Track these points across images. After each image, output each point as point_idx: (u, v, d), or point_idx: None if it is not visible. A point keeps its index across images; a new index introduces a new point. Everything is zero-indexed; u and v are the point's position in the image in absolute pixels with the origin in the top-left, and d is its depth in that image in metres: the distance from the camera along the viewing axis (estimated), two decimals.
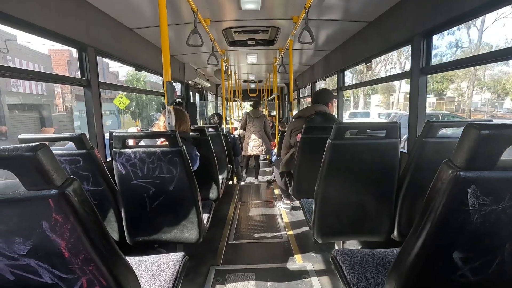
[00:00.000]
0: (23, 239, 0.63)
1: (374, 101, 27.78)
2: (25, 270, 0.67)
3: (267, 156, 6.21)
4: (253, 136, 4.87)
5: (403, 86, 22.69)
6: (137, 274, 0.86)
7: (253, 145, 4.85)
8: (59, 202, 0.60)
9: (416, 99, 1.94)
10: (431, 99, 24.54)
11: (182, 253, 1.38)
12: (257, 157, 4.97)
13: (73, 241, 0.65)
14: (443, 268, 0.70)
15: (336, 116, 2.88)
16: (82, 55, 1.96)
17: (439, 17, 1.68)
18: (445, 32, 14.44)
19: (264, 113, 5.30)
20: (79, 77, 1.99)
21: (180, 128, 2.00)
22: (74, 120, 14.11)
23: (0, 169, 0.58)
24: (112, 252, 0.74)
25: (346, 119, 14.01)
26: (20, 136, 1.47)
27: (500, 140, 0.58)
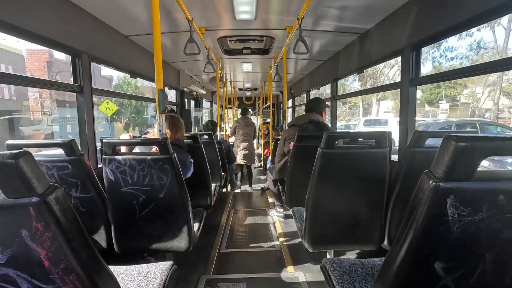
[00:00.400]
0: (2, 248, 0.62)
1: (383, 107, 26.12)
2: (3, 280, 0.66)
3: (261, 164, 6.22)
4: (242, 145, 4.84)
5: (419, 92, 22.14)
6: (123, 284, 0.85)
7: (243, 155, 4.81)
8: (40, 210, 0.60)
9: (406, 109, 1.97)
10: (444, 105, 24.29)
11: (170, 262, 1.36)
12: (248, 165, 4.95)
13: (54, 250, 0.64)
14: (426, 278, 0.70)
15: (329, 125, 2.91)
16: (76, 61, 1.96)
17: (427, 30, 1.73)
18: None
19: (255, 121, 5.30)
20: (71, 82, 1.99)
21: (176, 135, 2.00)
22: (52, 125, 12.21)
23: None
24: (94, 261, 0.73)
25: (361, 127, 13.30)
26: (8, 142, 1.45)
27: (477, 152, 0.59)
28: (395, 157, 2.15)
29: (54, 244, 0.63)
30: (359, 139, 2.19)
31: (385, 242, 1.74)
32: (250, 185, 4.85)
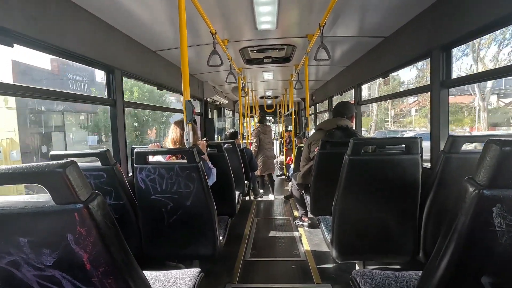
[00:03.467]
0: (50, 250, 0.67)
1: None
2: (50, 281, 0.71)
3: (284, 172, 6.17)
4: (267, 154, 4.83)
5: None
6: None
7: (267, 163, 4.80)
8: (83, 216, 0.64)
9: (438, 113, 1.88)
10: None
11: (198, 269, 1.38)
12: (270, 173, 4.92)
13: (95, 254, 0.68)
14: None
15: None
16: (110, 77, 2.11)
17: (458, 30, 1.65)
18: None
19: (275, 129, 5.22)
20: (104, 96, 2.14)
21: (194, 140, 2.03)
22: None
23: (34, 184, 0.63)
24: (130, 266, 0.76)
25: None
26: (52, 153, 1.58)
27: None
28: (426, 164, 2.04)
29: (95, 248, 0.67)
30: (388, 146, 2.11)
31: (420, 254, 1.63)
32: (273, 192, 4.82)
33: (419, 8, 1.96)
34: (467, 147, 1.58)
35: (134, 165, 1.60)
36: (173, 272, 1.36)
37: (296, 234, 3.09)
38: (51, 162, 0.62)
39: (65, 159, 0.85)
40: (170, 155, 1.80)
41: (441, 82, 1.84)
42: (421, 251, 1.63)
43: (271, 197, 4.72)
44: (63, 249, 0.67)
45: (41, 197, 0.66)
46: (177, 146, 1.89)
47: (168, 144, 1.95)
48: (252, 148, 4.86)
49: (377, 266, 2.21)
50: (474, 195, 0.59)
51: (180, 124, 1.92)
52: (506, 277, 0.62)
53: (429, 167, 1.90)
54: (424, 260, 1.63)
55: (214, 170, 2.02)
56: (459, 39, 1.69)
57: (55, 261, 0.68)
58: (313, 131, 3.97)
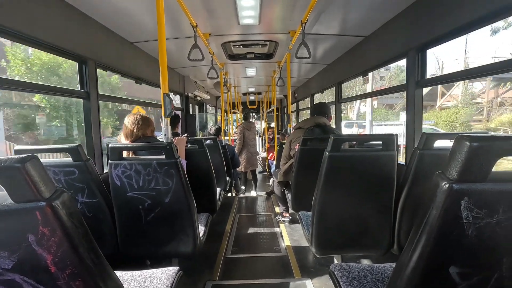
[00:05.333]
0: (8, 253, 0.62)
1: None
2: (10, 285, 0.65)
3: (266, 168, 6.19)
4: (251, 150, 4.85)
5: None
6: None
7: (250, 160, 4.82)
8: (46, 215, 0.59)
9: (412, 111, 1.95)
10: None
11: (176, 268, 1.35)
12: (253, 170, 4.95)
13: (60, 255, 0.63)
14: (441, 283, 0.68)
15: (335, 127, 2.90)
16: (82, 68, 1.99)
17: (432, 32, 1.71)
18: None
19: (258, 126, 5.22)
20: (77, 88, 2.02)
21: (148, 132, 1.91)
22: None
23: None
24: (101, 266, 0.72)
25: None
26: (16, 147, 1.46)
27: (491, 152, 0.57)
28: (401, 160, 2.12)
29: (61, 249, 0.63)
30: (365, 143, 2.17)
31: (395, 247, 1.70)
32: (255, 189, 4.83)
33: (397, 9, 2.02)
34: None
35: (109, 161, 1.52)
36: (150, 271, 1.32)
37: (277, 230, 3.12)
38: (9, 156, 0.57)
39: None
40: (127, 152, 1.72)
41: (416, 82, 1.91)
42: (395, 244, 1.69)
43: (253, 193, 4.73)
44: (24, 251, 0.62)
45: None
46: (128, 140, 1.82)
47: (122, 138, 1.86)
48: (236, 145, 4.85)
49: (355, 260, 2.28)
50: (444, 189, 0.61)
51: (131, 117, 1.85)
52: (471, 266, 0.65)
53: (404, 163, 1.98)
54: (398, 253, 1.70)
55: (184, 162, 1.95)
56: (433, 40, 1.75)
57: (14, 264, 0.63)
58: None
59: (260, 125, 7.88)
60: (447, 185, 0.60)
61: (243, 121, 5.10)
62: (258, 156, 5.88)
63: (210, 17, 2.30)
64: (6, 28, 1.35)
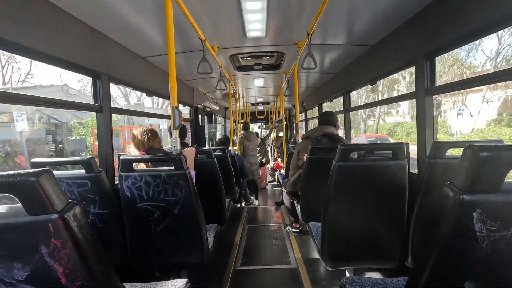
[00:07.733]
0: (22, 264, 0.63)
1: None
2: None
3: (276, 178, 6.16)
4: (252, 160, 4.88)
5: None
6: None
7: (254, 169, 4.86)
8: (58, 227, 0.61)
9: (423, 119, 1.91)
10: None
11: (185, 280, 1.34)
12: (254, 179, 4.97)
13: (71, 267, 0.64)
14: None
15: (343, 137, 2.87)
16: (96, 83, 2.07)
17: (441, 38, 1.70)
18: None
19: (272, 134, 5.22)
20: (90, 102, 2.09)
21: (156, 143, 1.96)
22: None
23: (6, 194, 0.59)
24: (109, 278, 0.73)
25: None
26: (33, 160, 1.52)
27: (501, 162, 0.56)
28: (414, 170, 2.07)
29: (71, 261, 0.64)
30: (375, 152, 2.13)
31: (409, 259, 1.64)
32: (257, 198, 4.81)
33: (402, 18, 2.02)
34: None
35: (120, 172, 1.55)
36: (159, 283, 1.32)
37: (287, 241, 3.07)
38: (24, 170, 0.59)
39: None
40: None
41: (426, 90, 1.89)
42: (410, 257, 1.63)
43: (255, 203, 4.71)
44: (37, 263, 0.63)
45: (12, 208, 0.62)
46: (141, 150, 1.86)
47: (133, 150, 1.91)
48: None
49: (368, 273, 2.20)
50: (454, 200, 0.59)
51: (139, 128, 1.93)
52: (489, 281, 0.62)
53: (416, 173, 1.93)
54: (412, 265, 1.64)
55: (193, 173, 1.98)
56: (442, 48, 1.74)
57: (27, 275, 0.64)
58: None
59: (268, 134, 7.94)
60: (458, 196, 0.59)
61: (242, 132, 5.14)
62: (267, 166, 5.88)
63: (218, 31, 2.36)
64: (26, 47, 1.43)
